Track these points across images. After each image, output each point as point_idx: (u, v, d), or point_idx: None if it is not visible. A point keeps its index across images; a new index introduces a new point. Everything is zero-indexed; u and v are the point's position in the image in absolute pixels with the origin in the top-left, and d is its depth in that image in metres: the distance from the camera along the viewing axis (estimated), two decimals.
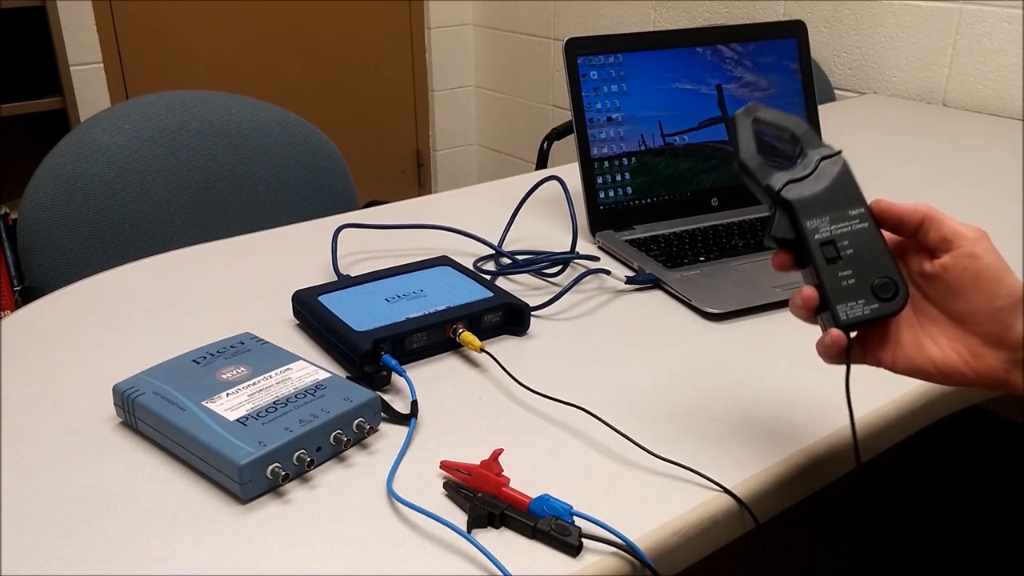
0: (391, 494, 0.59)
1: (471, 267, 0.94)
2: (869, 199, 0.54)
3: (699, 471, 0.61)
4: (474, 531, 0.56)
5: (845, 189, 0.53)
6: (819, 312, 0.54)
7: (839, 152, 0.54)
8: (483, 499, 0.57)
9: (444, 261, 0.88)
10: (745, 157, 0.55)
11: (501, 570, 0.52)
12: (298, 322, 0.82)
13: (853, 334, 0.55)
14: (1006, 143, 1.41)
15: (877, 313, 0.51)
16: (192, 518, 0.57)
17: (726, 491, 0.59)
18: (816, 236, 0.52)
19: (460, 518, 0.57)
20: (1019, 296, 0.49)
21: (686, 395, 0.71)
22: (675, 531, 0.57)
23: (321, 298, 0.80)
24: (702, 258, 0.94)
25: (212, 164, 1.30)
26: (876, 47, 1.78)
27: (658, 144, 1.04)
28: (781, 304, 0.84)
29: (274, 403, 0.63)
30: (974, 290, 0.50)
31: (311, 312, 0.79)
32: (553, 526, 0.55)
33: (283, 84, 2.52)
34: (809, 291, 0.54)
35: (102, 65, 2.19)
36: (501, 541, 0.55)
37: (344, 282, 0.84)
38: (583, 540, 0.54)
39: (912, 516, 1.33)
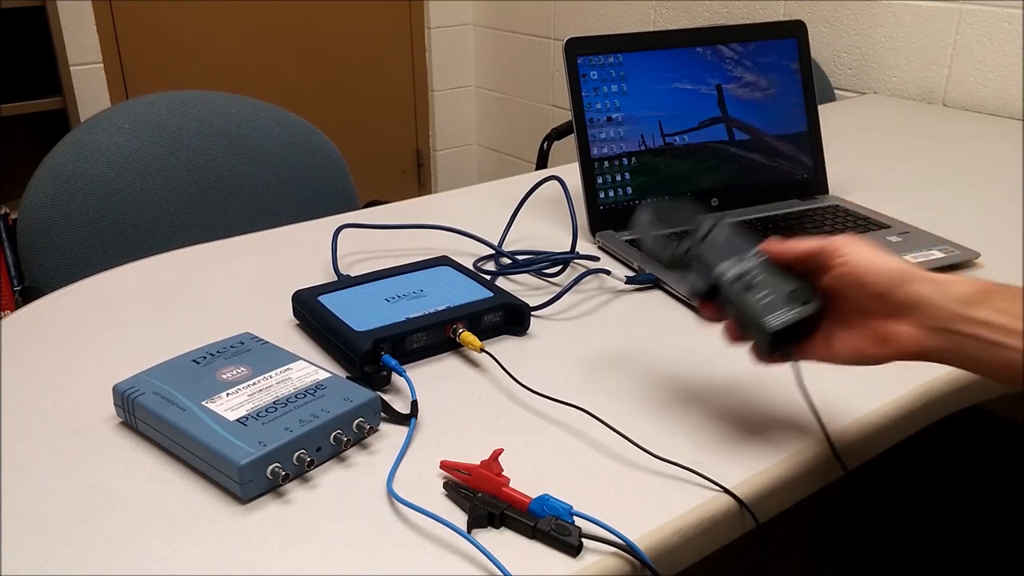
0: (391, 494, 0.59)
1: (471, 267, 0.94)
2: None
3: (699, 471, 0.61)
4: (474, 531, 0.56)
5: (739, 239, 0.61)
6: (747, 330, 0.60)
7: (724, 219, 0.62)
8: (483, 499, 0.57)
9: (444, 261, 0.88)
10: (650, 246, 0.63)
11: (501, 570, 0.52)
12: (298, 322, 0.83)
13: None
14: (1006, 143, 1.41)
15: (801, 314, 0.57)
16: (192, 518, 0.57)
17: (726, 491, 0.59)
18: (726, 276, 0.59)
19: (460, 518, 0.57)
20: (893, 275, 0.56)
21: (686, 395, 0.71)
22: (675, 531, 0.57)
23: (321, 298, 0.80)
24: None
25: (212, 164, 1.30)
26: (876, 47, 1.78)
27: (658, 144, 1.04)
28: None
29: (274, 403, 0.63)
30: (854, 288, 0.57)
31: (311, 312, 0.79)
32: (553, 526, 0.55)
33: (283, 84, 2.52)
34: (728, 324, 0.62)
35: (102, 65, 2.19)
36: (501, 541, 0.55)
37: (344, 282, 0.84)
38: (583, 540, 0.54)
39: (912, 516, 1.33)
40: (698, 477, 0.61)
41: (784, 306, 0.57)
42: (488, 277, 0.91)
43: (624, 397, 0.71)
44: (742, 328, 0.60)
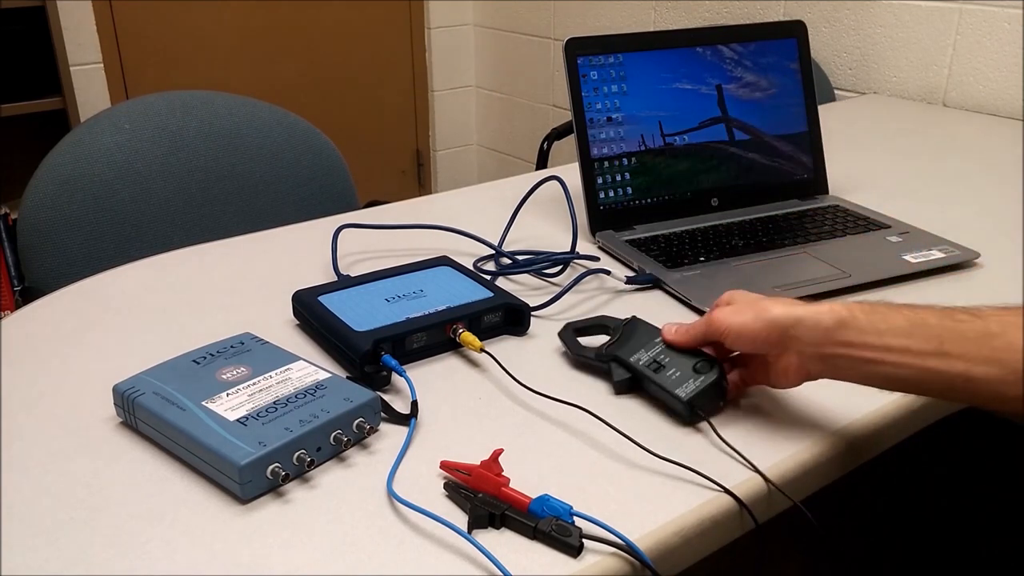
0: (391, 494, 0.59)
1: (471, 267, 0.94)
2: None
3: (699, 471, 0.61)
4: (475, 532, 0.56)
5: (645, 332, 0.73)
6: (667, 402, 0.69)
7: (632, 317, 0.75)
8: (483, 499, 0.57)
9: (444, 261, 0.88)
10: (577, 352, 0.75)
11: (502, 571, 0.52)
12: (298, 322, 0.82)
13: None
14: (1006, 143, 1.41)
15: (704, 383, 0.67)
16: (192, 518, 0.57)
17: (726, 491, 0.59)
18: (640, 362, 0.70)
19: (461, 518, 0.57)
20: (766, 326, 0.63)
21: None
22: (675, 531, 0.57)
23: (321, 298, 0.80)
24: (702, 258, 0.94)
25: (212, 164, 1.30)
26: (876, 47, 1.78)
27: (658, 144, 1.04)
28: None
29: (274, 403, 0.63)
30: (746, 345, 0.66)
31: (311, 312, 0.79)
32: (554, 527, 0.55)
33: (283, 84, 2.52)
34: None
35: (102, 65, 2.19)
36: (501, 541, 0.55)
37: (344, 282, 0.84)
38: (584, 540, 0.54)
39: (912, 516, 1.33)
40: (698, 477, 0.61)
41: (689, 378, 0.67)
42: (488, 277, 0.91)
43: (624, 397, 0.71)
44: (661, 402, 0.69)
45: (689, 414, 0.67)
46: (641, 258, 0.94)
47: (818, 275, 0.89)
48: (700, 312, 0.84)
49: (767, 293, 0.85)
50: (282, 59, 2.50)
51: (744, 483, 0.61)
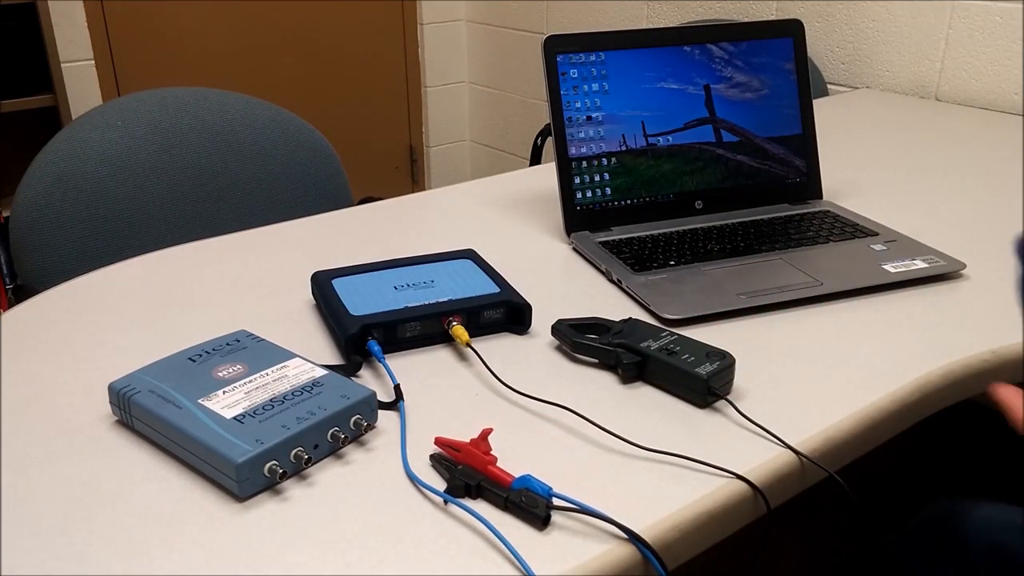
0: (408, 474, 0.59)
1: None
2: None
3: (702, 460, 0.61)
4: (488, 527, 0.56)
5: (649, 328, 0.75)
6: (679, 386, 0.70)
7: (629, 318, 0.77)
8: (463, 471, 0.59)
9: (469, 255, 0.88)
10: (577, 340, 0.75)
11: (518, 559, 0.52)
12: (295, 317, 0.82)
13: None
14: (998, 137, 1.41)
15: (723, 365, 0.69)
16: (189, 517, 0.57)
17: (739, 477, 0.60)
18: (652, 348, 0.72)
19: (476, 507, 0.57)
20: None
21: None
22: (676, 524, 0.57)
23: (335, 280, 0.82)
24: (672, 262, 0.91)
25: (206, 161, 1.29)
26: (869, 42, 1.78)
27: (640, 144, 1.01)
28: (741, 312, 0.83)
29: (271, 400, 0.63)
30: None
31: (321, 294, 0.80)
32: (524, 497, 0.56)
33: (276, 81, 2.51)
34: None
35: (93, 62, 2.18)
36: (513, 536, 0.55)
37: (363, 267, 0.85)
38: (551, 511, 0.56)
39: (906, 512, 1.34)
40: (700, 466, 0.61)
41: (705, 362, 0.69)
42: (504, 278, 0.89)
43: (631, 387, 0.71)
44: (674, 386, 0.70)
45: (707, 393, 0.68)
46: (610, 260, 0.92)
47: (788, 282, 0.87)
48: (658, 317, 0.82)
49: (730, 299, 0.84)
50: (275, 55, 2.49)
51: (756, 468, 0.61)
